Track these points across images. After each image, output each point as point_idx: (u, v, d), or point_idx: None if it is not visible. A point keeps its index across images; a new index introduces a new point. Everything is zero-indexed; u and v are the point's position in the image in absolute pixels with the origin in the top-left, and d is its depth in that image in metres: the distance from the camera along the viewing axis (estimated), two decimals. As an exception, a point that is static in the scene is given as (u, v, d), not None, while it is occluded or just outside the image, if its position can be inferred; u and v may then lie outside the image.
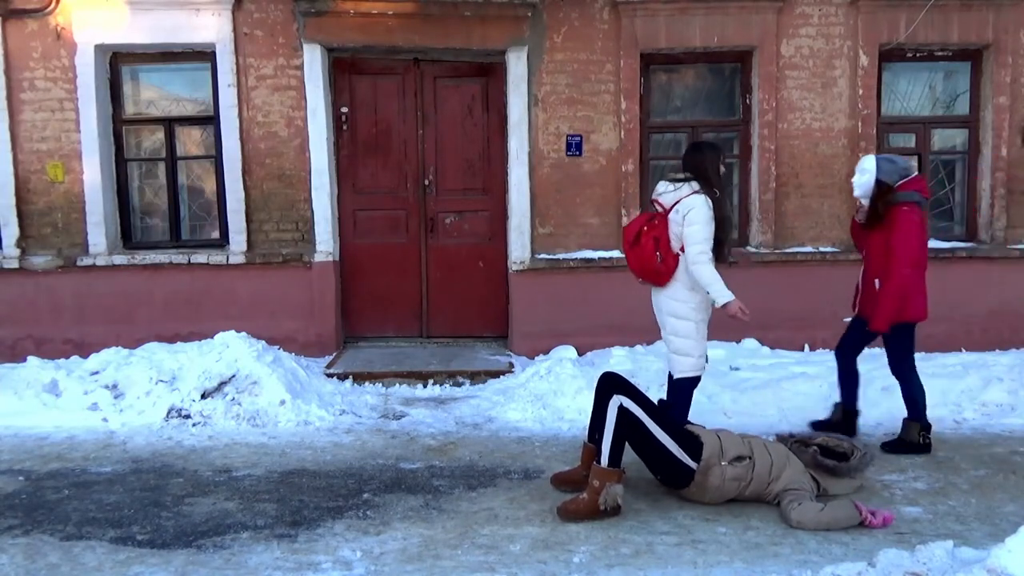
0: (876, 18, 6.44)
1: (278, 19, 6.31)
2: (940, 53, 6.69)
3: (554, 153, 6.51)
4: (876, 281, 4.39)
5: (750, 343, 6.44)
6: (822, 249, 6.63)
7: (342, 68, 6.56)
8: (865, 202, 4.43)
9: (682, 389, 4.13)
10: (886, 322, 4.27)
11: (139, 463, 4.31)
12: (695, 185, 3.95)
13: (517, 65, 6.40)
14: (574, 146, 6.44)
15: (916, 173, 4.44)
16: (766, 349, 6.41)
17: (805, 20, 6.48)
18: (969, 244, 6.76)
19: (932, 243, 6.67)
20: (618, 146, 6.49)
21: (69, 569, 3.08)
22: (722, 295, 3.87)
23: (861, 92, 6.49)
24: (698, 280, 3.90)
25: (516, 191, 6.49)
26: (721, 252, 3.98)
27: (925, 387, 4.95)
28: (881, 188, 4.31)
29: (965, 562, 2.63)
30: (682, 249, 3.96)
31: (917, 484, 3.92)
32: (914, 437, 4.41)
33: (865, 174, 4.35)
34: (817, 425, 4.74)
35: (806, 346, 6.54)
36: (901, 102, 6.88)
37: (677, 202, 3.95)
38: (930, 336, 6.52)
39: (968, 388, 5.20)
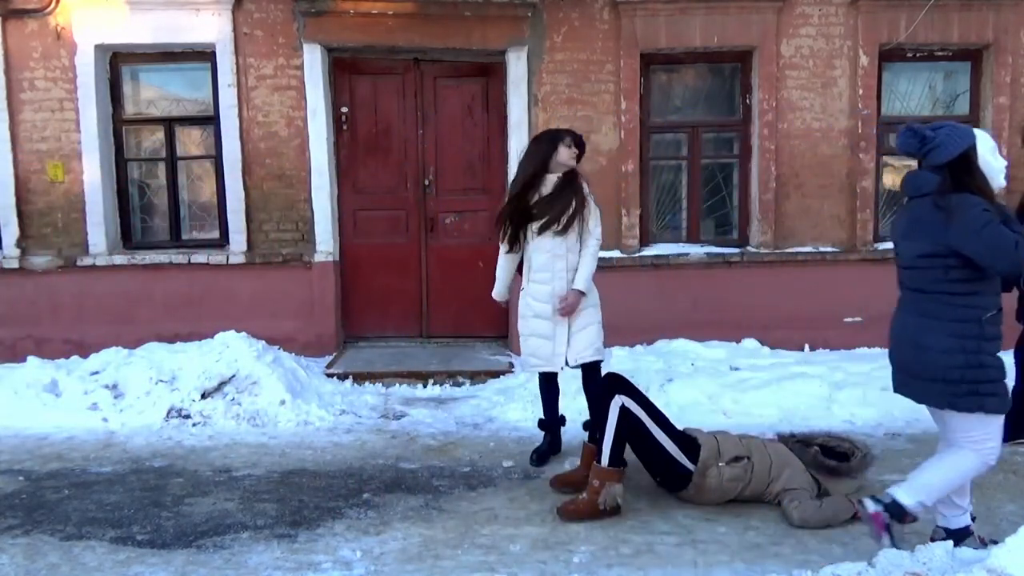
0: (876, 18, 6.43)
1: (278, 19, 6.31)
2: (940, 53, 6.68)
3: (554, 153, 6.50)
4: None
5: (750, 343, 6.43)
6: (822, 249, 6.62)
7: (342, 68, 6.55)
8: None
9: None
10: None
11: (139, 463, 4.32)
12: None
13: (517, 65, 6.40)
14: (574, 146, 6.42)
15: None
16: (766, 349, 6.40)
17: (805, 20, 6.48)
18: (969, 244, 6.74)
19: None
20: (618, 146, 6.49)
21: (69, 569, 3.08)
22: None
23: (861, 92, 6.49)
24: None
25: (516, 191, 6.48)
26: None
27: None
28: None
29: (965, 562, 2.62)
30: None
31: (917, 484, 3.91)
32: None
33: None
34: None
35: (806, 346, 6.54)
36: (901, 102, 6.87)
37: None
38: (930, 336, 6.55)
39: (968, 388, 5.17)
